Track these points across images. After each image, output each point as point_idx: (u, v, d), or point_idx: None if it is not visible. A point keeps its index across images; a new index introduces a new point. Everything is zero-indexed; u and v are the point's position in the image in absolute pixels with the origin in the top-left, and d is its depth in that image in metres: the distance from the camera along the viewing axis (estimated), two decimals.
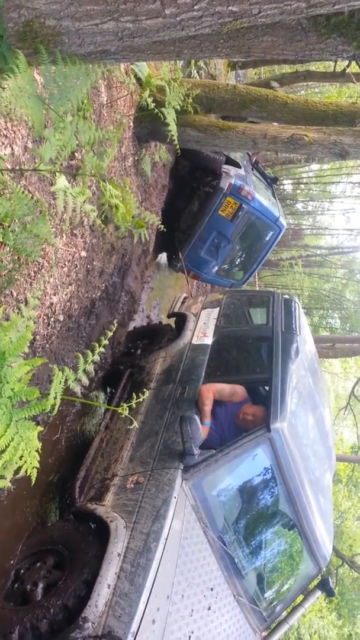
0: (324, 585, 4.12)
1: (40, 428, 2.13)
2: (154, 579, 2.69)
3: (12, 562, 3.21)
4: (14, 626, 2.61)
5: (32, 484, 2.01)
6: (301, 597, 4.16)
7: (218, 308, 5.28)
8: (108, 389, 5.13)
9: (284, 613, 3.97)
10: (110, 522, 2.96)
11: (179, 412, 3.65)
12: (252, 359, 4.48)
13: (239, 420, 3.80)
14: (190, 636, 2.86)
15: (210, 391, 3.86)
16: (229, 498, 3.48)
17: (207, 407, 3.79)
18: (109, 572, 2.70)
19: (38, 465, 2.02)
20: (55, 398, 2.15)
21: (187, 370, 4.27)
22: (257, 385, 4.24)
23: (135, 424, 3.32)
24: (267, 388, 3.89)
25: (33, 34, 1.69)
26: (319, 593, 4.13)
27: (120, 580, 2.69)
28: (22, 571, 3.04)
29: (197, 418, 3.31)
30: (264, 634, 3.75)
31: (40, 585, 2.88)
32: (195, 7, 1.70)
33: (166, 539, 2.85)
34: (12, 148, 2.61)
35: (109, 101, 4.00)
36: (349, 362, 20.26)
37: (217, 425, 3.83)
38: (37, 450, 2.04)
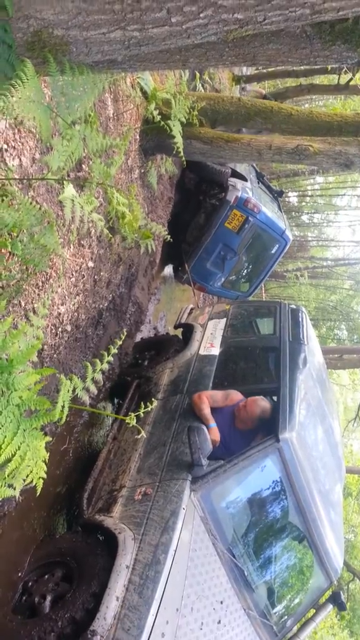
0: (335, 599, 4.01)
1: (48, 438, 2.12)
2: (163, 592, 2.66)
3: (20, 574, 3.16)
4: None
5: (38, 494, 1.99)
6: (312, 611, 4.06)
7: (225, 319, 5.27)
8: (115, 400, 5.11)
9: (295, 628, 3.86)
10: (119, 534, 2.94)
11: (186, 423, 3.62)
12: (259, 369, 4.45)
13: (240, 421, 3.76)
14: None
15: (203, 397, 3.83)
16: (238, 509, 3.43)
17: (206, 410, 3.74)
18: (117, 585, 2.67)
19: (45, 476, 2.00)
20: (63, 407, 2.14)
21: (194, 380, 4.25)
22: (265, 395, 4.20)
23: (143, 434, 3.28)
24: (275, 398, 3.86)
25: (41, 44, 1.72)
26: (330, 607, 4.03)
27: (129, 593, 2.65)
28: (30, 583, 3.02)
29: (204, 428, 3.28)
30: None
31: (48, 598, 2.84)
32: (201, 15, 1.72)
33: (175, 551, 2.81)
34: (20, 159, 2.64)
35: (115, 114, 4.04)
36: (357, 374, 20.13)
37: (219, 431, 3.75)
38: (44, 461, 2.02)
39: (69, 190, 2.11)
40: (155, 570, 2.71)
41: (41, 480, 2.00)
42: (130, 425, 2.49)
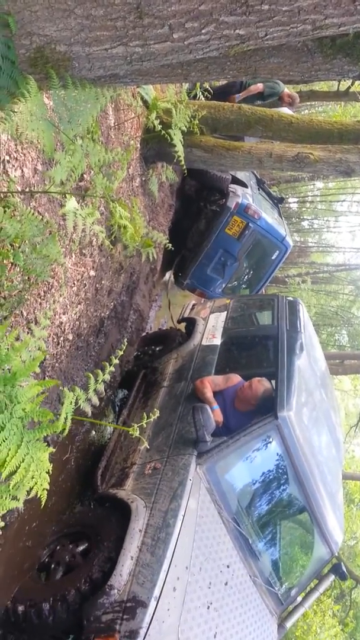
0: (336, 570, 4.28)
1: (51, 449, 2.12)
2: (174, 551, 2.91)
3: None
4: (48, 595, 2.87)
5: (42, 506, 2.00)
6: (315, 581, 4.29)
7: (226, 312, 5.51)
8: (121, 392, 5.35)
9: (299, 598, 4.08)
10: (131, 502, 3.22)
11: (190, 406, 3.81)
12: (259, 355, 4.73)
13: (239, 401, 3.94)
14: (209, 606, 3.07)
15: (204, 381, 4.07)
16: (242, 482, 3.66)
17: (208, 393, 3.97)
18: (131, 546, 2.94)
19: (48, 487, 2.00)
20: (66, 419, 2.14)
21: (197, 368, 4.52)
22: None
23: (146, 445, 3.52)
24: (273, 382, 4.04)
25: (44, 60, 1.73)
26: (332, 577, 4.31)
27: (142, 553, 2.92)
28: (57, 548, 3.34)
29: (208, 407, 3.48)
30: None
31: (74, 555, 3.19)
32: (203, 31, 1.73)
33: (183, 516, 3.07)
34: (22, 170, 2.65)
35: (116, 123, 4.07)
36: (359, 379, 20.09)
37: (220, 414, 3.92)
38: (47, 472, 2.03)
39: (72, 203, 2.13)
40: (166, 533, 2.98)
41: (45, 492, 2.00)
42: (133, 436, 2.51)
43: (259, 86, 6.44)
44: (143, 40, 1.73)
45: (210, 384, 4.06)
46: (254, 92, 6.43)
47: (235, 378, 4.14)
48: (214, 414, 3.70)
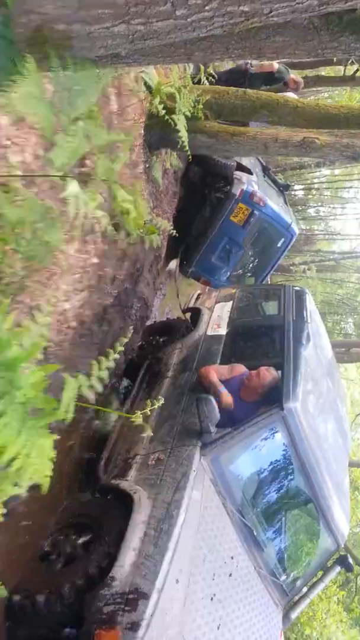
0: (342, 561, 4.26)
1: (55, 436, 2.11)
2: (176, 542, 2.88)
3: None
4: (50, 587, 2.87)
5: (44, 493, 1.98)
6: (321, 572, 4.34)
7: (231, 301, 5.46)
8: (126, 381, 5.33)
9: (305, 589, 4.10)
10: (134, 493, 3.20)
11: (195, 396, 3.78)
12: (264, 345, 4.71)
13: (246, 391, 3.90)
14: (212, 598, 3.05)
15: (209, 369, 4.04)
16: (247, 473, 3.65)
17: (214, 378, 3.93)
18: (134, 537, 2.92)
19: (51, 474, 1.99)
20: (68, 406, 2.12)
21: (202, 358, 4.49)
22: None
23: (150, 432, 3.35)
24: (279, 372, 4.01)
25: (43, 39, 1.69)
26: (338, 569, 4.29)
27: (144, 544, 2.90)
28: (60, 538, 3.33)
29: (212, 399, 3.45)
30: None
31: (62, 557, 3.15)
32: (206, 8, 1.68)
33: (187, 508, 3.04)
34: (23, 155, 2.61)
35: (119, 109, 4.00)
36: None
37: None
38: (51, 459, 2.01)
39: (73, 187, 2.09)
40: (169, 524, 2.94)
41: (47, 479, 1.99)
42: (135, 423, 2.49)
43: (274, 65, 6.32)
44: (145, 18, 1.68)
45: (215, 371, 4.03)
46: (267, 69, 6.30)
47: (240, 368, 4.11)
48: (222, 397, 3.74)
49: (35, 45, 1.70)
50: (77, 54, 1.79)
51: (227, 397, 3.82)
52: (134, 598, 2.67)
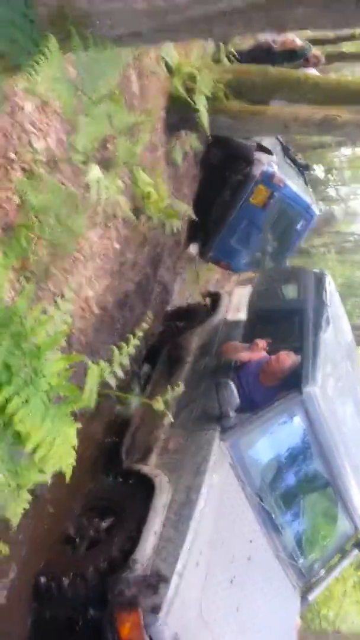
0: None
1: (78, 424, 2.11)
2: (197, 526, 2.92)
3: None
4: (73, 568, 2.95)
5: (67, 480, 1.99)
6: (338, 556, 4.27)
7: (251, 285, 5.50)
8: (146, 366, 5.33)
9: (322, 571, 4.08)
10: (155, 477, 3.25)
11: (214, 381, 3.80)
12: (284, 330, 4.66)
13: (265, 375, 3.90)
14: (232, 581, 3.07)
15: (230, 343, 4.17)
16: (266, 458, 3.66)
17: (238, 344, 4.07)
18: (155, 521, 2.95)
19: (74, 462, 1.99)
20: (91, 393, 2.12)
21: (222, 343, 4.49)
22: None
23: (170, 417, 3.37)
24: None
25: (64, 18, 1.64)
26: (355, 552, 4.26)
27: (165, 528, 2.94)
28: (84, 521, 3.39)
29: (232, 383, 3.49)
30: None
31: (99, 530, 3.24)
32: None
33: (207, 492, 3.07)
34: (46, 141, 2.59)
35: (140, 90, 3.94)
36: None
37: (243, 388, 3.89)
38: (73, 447, 2.01)
39: (95, 171, 2.06)
40: (189, 508, 2.98)
41: (70, 467, 1.99)
42: (157, 409, 2.49)
43: (297, 41, 6.15)
44: None
45: (237, 345, 4.13)
46: (290, 45, 6.13)
47: (260, 351, 4.10)
48: (253, 350, 3.89)
49: (56, 25, 1.66)
50: (98, 32, 1.74)
51: (255, 349, 3.93)
52: (156, 581, 2.72)
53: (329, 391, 3.81)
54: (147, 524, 2.95)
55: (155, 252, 4.77)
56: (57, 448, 1.87)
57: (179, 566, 2.74)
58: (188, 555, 2.81)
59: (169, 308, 6.15)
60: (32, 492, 2.06)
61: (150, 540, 2.87)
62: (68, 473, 1.96)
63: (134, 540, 2.95)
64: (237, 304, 5.20)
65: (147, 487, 3.25)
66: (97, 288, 3.41)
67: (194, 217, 4.45)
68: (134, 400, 4.24)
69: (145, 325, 2.48)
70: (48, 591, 2.93)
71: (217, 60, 5.43)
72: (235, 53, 5.73)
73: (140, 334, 2.45)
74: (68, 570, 2.96)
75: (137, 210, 3.67)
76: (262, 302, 5.17)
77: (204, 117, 4.05)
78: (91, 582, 2.86)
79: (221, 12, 1.99)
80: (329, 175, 22.20)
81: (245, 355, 4.04)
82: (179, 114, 4.60)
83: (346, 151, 20.40)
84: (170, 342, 5.18)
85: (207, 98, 4.27)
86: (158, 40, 2.05)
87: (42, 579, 2.96)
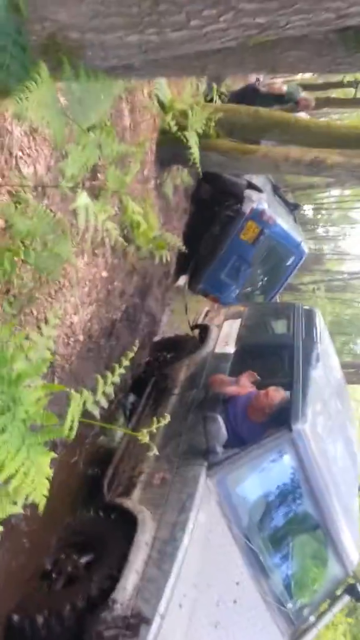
0: (352, 590, 4.06)
1: (53, 454, 2.04)
2: (180, 566, 2.81)
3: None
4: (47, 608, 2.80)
5: (41, 513, 1.92)
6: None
7: (240, 319, 5.42)
8: (132, 396, 5.30)
9: (312, 618, 3.90)
10: (138, 513, 3.14)
11: (201, 414, 3.73)
12: (273, 365, 4.62)
13: (253, 410, 3.83)
14: (216, 625, 2.96)
15: (217, 375, 4.12)
16: (254, 496, 3.57)
17: (224, 377, 4.02)
18: (137, 559, 2.84)
19: (47, 494, 1.92)
20: (72, 423, 2.06)
21: (209, 376, 4.42)
22: None
23: (155, 451, 3.31)
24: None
25: (56, 47, 1.67)
26: (347, 598, 4.09)
27: (148, 567, 2.82)
28: (62, 557, 3.26)
29: (220, 418, 3.44)
30: None
31: (77, 566, 3.11)
32: (221, 19, 1.66)
33: (192, 530, 2.97)
34: (35, 167, 2.61)
35: (132, 124, 4.02)
36: None
37: (231, 423, 3.83)
38: (47, 478, 1.94)
39: (83, 198, 2.07)
40: (173, 547, 2.87)
41: (44, 498, 1.92)
42: (142, 441, 2.43)
43: (283, 88, 6.37)
44: (159, 27, 1.66)
45: (224, 378, 4.08)
46: (277, 91, 6.34)
47: (248, 386, 4.05)
48: (241, 381, 3.81)
49: (48, 54, 1.69)
50: (90, 63, 1.78)
51: (245, 380, 3.89)
52: (136, 622, 2.59)
53: (319, 429, 3.76)
54: (129, 562, 2.84)
55: (144, 282, 4.78)
56: (32, 478, 1.80)
57: (161, 607, 2.63)
58: (171, 596, 2.70)
59: (156, 338, 6.12)
60: (6, 523, 1.97)
61: (132, 579, 2.76)
62: (41, 505, 1.89)
63: (114, 578, 2.83)
64: (225, 336, 5.17)
65: (129, 523, 3.14)
66: (83, 315, 3.38)
67: (183, 249, 4.47)
68: (118, 431, 4.16)
69: (131, 354, 2.45)
70: (21, 630, 2.78)
71: (209, 99, 5.58)
72: (227, 93, 5.90)
73: (126, 362, 2.41)
74: (43, 608, 2.82)
75: (126, 240, 3.69)
76: (251, 336, 5.15)
77: (196, 153, 4.12)
78: (67, 621, 2.74)
79: (214, 51, 2.06)
80: (318, 215, 22.71)
81: (233, 389, 3.99)
82: (170, 149, 4.69)
83: (335, 192, 20.93)
84: (157, 373, 5.15)
85: (199, 135, 4.35)
86: (151, 74, 2.10)
87: (15, 617, 2.82)
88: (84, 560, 3.15)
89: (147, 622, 2.58)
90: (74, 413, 2.06)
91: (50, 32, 1.64)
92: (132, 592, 2.70)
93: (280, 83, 6.38)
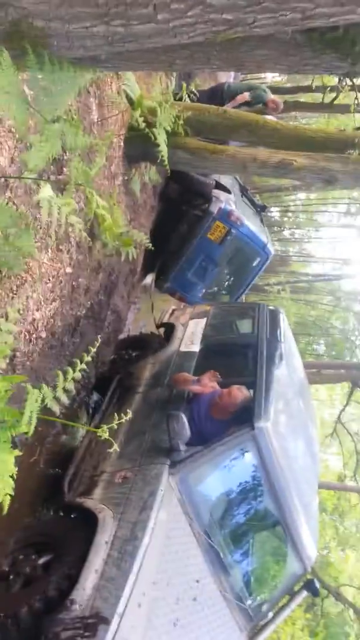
0: (309, 586, 4.17)
1: (17, 452, 2.00)
2: (140, 565, 2.78)
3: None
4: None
5: (4, 512, 1.87)
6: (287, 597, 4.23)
7: (205, 318, 5.44)
8: (96, 395, 5.22)
9: (270, 613, 3.96)
10: (99, 513, 3.10)
11: (165, 412, 3.70)
12: (237, 363, 4.64)
13: (216, 409, 3.84)
14: (175, 623, 2.93)
15: (180, 373, 4.13)
16: (215, 494, 3.59)
17: (187, 376, 4.03)
18: (96, 559, 2.81)
19: (12, 492, 1.88)
20: (30, 418, 2.02)
21: (174, 374, 4.41)
22: None
23: (116, 447, 3.27)
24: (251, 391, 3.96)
25: (20, 35, 1.63)
26: (304, 593, 4.18)
27: (107, 566, 2.80)
28: (20, 558, 3.17)
29: (183, 416, 3.40)
30: None
31: (19, 578, 2.99)
32: (189, 14, 1.66)
33: (152, 528, 2.94)
34: None
35: (99, 119, 3.97)
36: (334, 389, 20.20)
37: (194, 421, 3.83)
38: (11, 476, 1.90)
39: (46, 190, 2.03)
40: (133, 545, 2.84)
41: (8, 497, 1.88)
42: (102, 437, 2.40)
43: (245, 95, 6.43)
44: (126, 19, 1.65)
45: (187, 377, 4.10)
46: (240, 101, 6.40)
47: (211, 384, 4.06)
48: (202, 382, 3.85)
49: (12, 42, 1.64)
50: (56, 53, 1.74)
51: (205, 382, 3.90)
52: (94, 623, 2.55)
53: (281, 428, 3.78)
54: (88, 562, 2.80)
55: (109, 279, 4.73)
56: None
57: (120, 607, 2.59)
58: (130, 595, 2.66)
59: (121, 336, 6.08)
60: None
61: (91, 579, 2.72)
62: (5, 503, 1.85)
63: (73, 578, 2.78)
64: (191, 335, 5.17)
65: (89, 523, 3.09)
66: (46, 311, 3.32)
67: (150, 246, 4.45)
68: (80, 430, 4.10)
69: (93, 350, 2.41)
70: None
71: (179, 98, 5.57)
72: (196, 92, 5.90)
73: (88, 359, 2.37)
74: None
75: (92, 236, 3.64)
76: (216, 335, 5.18)
77: (164, 151, 4.10)
78: (24, 623, 2.67)
79: (182, 47, 2.05)
80: (285, 218, 23.06)
81: (196, 387, 4.00)
82: (138, 146, 4.66)
83: (301, 195, 21.30)
84: (122, 371, 5.10)
85: (167, 133, 4.34)
86: (117, 67, 2.07)
87: None
88: (42, 560, 3.08)
89: (106, 622, 2.54)
90: (31, 408, 2.02)
91: (14, 19, 1.60)
92: (91, 592, 2.67)
93: (243, 94, 6.42)
